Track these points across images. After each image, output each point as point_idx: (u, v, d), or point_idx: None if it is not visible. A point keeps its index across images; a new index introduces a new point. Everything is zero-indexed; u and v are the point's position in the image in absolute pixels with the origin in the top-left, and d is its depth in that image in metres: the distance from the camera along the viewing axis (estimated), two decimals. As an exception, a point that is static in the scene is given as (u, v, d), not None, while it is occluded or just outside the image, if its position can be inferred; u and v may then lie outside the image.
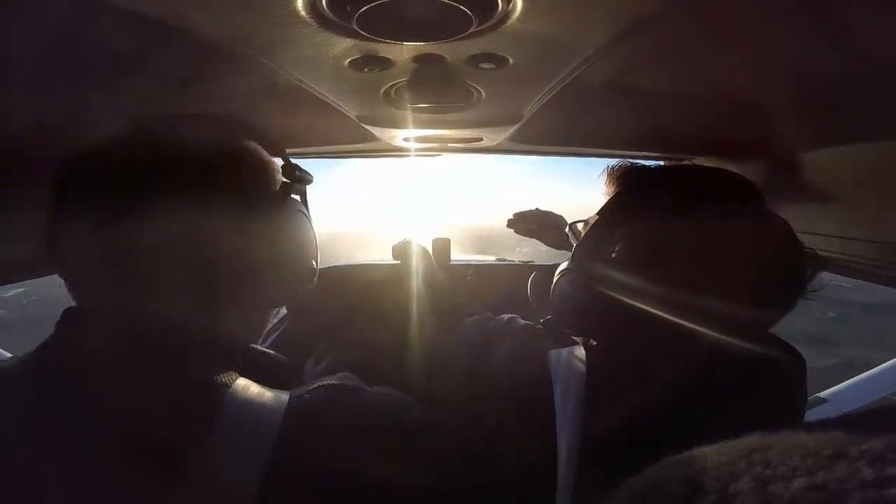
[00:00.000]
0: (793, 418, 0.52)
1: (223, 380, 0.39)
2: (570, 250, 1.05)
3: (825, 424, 0.17)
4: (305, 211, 0.52)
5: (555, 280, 0.64)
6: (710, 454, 0.17)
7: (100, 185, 0.41)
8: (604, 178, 0.63)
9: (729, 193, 0.54)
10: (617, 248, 0.55)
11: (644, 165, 0.62)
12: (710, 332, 0.47)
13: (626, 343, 0.52)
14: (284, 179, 0.50)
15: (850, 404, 1.58)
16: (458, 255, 1.44)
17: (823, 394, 1.70)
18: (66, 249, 0.42)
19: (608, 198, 0.60)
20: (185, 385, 0.38)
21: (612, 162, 0.64)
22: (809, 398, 1.73)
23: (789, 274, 0.50)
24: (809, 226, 0.73)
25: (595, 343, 0.56)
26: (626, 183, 0.60)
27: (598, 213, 0.59)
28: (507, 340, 0.61)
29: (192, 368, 0.39)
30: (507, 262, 1.51)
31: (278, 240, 0.47)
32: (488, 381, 0.58)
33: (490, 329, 0.66)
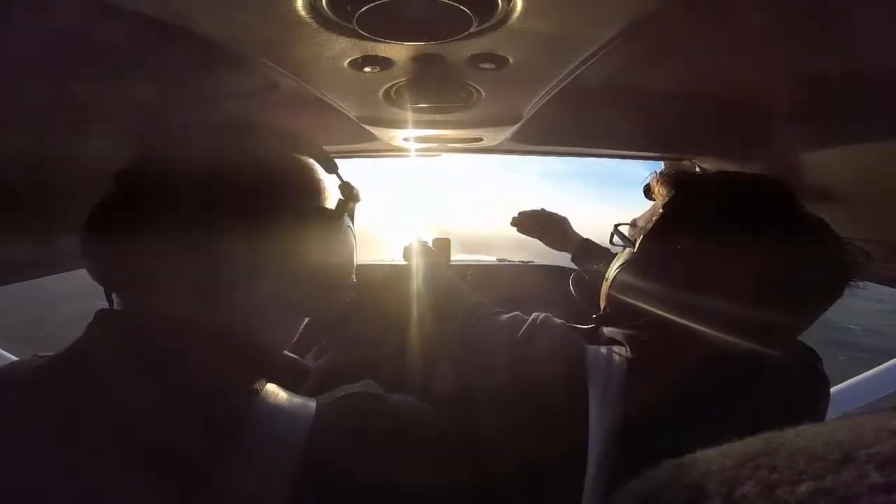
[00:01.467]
0: (817, 415, 0.54)
1: (254, 386, 0.39)
2: (581, 252, 1.05)
3: (830, 426, 0.16)
4: (353, 227, 0.53)
5: (613, 273, 0.65)
6: (714, 457, 0.17)
7: (143, 193, 0.41)
8: (654, 182, 0.65)
9: (787, 203, 0.56)
10: (683, 240, 0.56)
11: (695, 173, 0.66)
12: (765, 333, 0.49)
13: (682, 335, 0.53)
14: (340, 196, 0.50)
15: (850, 404, 1.58)
16: (457, 256, 1.44)
17: (823, 394, 1.70)
18: (108, 251, 0.42)
19: (663, 198, 0.62)
20: (217, 390, 0.38)
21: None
22: (809, 398, 1.74)
23: (836, 283, 0.53)
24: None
25: (646, 337, 0.57)
26: (687, 183, 0.62)
27: (662, 207, 0.60)
28: (546, 335, 0.62)
29: (222, 374, 0.39)
30: (506, 263, 1.51)
31: (329, 254, 0.48)
32: (530, 375, 0.59)
33: (527, 325, 0.66)
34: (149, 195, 0.41)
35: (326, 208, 0.49)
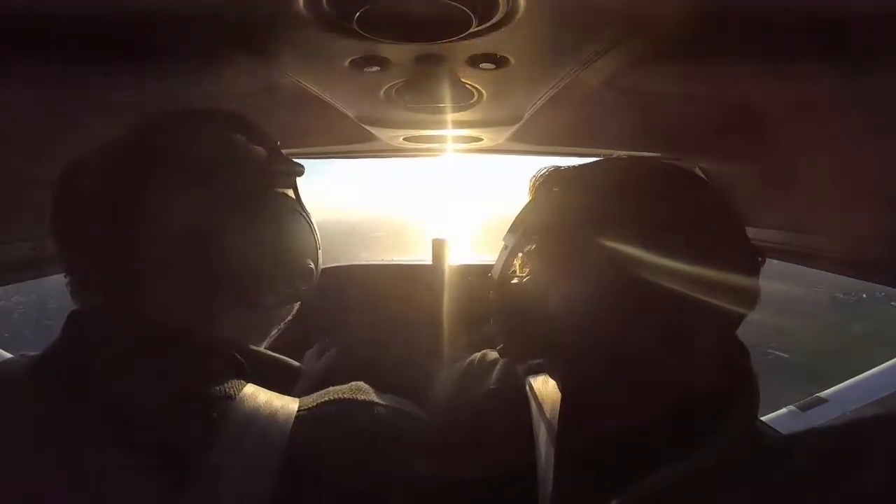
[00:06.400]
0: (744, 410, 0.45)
1: (229, 388, 0.38)
2: None
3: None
4: (300, 208, 0.49)
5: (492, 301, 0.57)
6: (713, 464, 0.17)
7: (91, 186, 0.41)
8: (533, 187, 0.56)
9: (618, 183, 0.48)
10: (523, 270, 0.52)
11: (567, 168, 0.55)
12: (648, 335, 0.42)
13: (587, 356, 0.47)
14: (275, 170, 0.47)
15: (850, 404, 1.58)
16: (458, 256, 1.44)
17: (823, 394, 1.70)
18: (65, 250, 0.42)
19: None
20: (191, 393, 0.37)
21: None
22: (809, 398, 1.74)
23: (724, 229, 0.45)
24: (810, 225, 0.73)
25: (557, 367, 0.51)
26: (554, 188, 0.53)
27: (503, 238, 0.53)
28: (487, 378, 0.59)
29: (196, 375, 0.38)
30: None
31: (268, 237, 0.44)
32: (475, 414, 0.57)
33: (468, 367, 0.64)
34: (77, 190, 0.41)
35: (260, 185, 0.45)
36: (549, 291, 0.47)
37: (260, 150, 0.47)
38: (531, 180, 0.56)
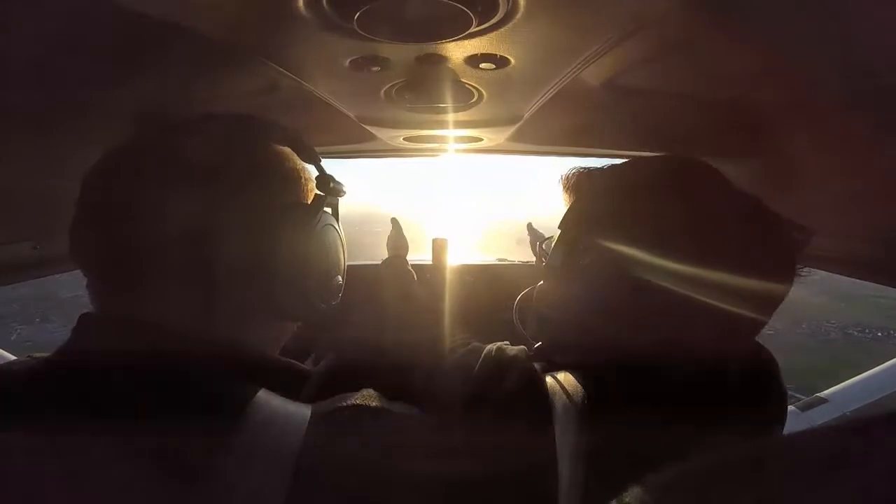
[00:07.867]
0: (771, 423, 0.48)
1: (243, 393, 0.38)
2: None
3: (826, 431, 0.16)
4: (336, 225, 0.51)
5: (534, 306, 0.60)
6: (714, 466, 0.17)
7: (120, 188, 0.41)
8: (560, 188, 0.60)
9: (685, 181, 0.52)
10: (587, 260, 0.52)
11: (595, 168, 0.58)
12: (707, 333, 0.44)
13: (620, 366, 0.48)
14: (318, 192, 0.48)
15: (850, 404, 1.58)
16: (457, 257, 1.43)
17: (823, 394, 1.70)
18: (85, 252, 0.42)
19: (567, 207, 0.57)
20: (203, 398, 0.37)
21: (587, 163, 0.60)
22: (809, 398, 1.74)
23: (772, 247, 0.48)
24: (810, 225, 0.73)
25: (590, 369, 0.52)
26: (580, 190, 0.57)
27: (559, 227, 0.56)
28: (508, 377, 0.57)
29: (210, 380, 0.38)
30: (507, 263, 1.51)
31: (305, 253, 0.45)
32: (494, 417, 0.54)
33: (484, 363, 0.62)
34: (106, 191, 0.41)
35: (303, 203, 0.47)
36: (601, 293, 0.49)
37: (310, 167, 0.49)
38: (565, 178, 0.59)
